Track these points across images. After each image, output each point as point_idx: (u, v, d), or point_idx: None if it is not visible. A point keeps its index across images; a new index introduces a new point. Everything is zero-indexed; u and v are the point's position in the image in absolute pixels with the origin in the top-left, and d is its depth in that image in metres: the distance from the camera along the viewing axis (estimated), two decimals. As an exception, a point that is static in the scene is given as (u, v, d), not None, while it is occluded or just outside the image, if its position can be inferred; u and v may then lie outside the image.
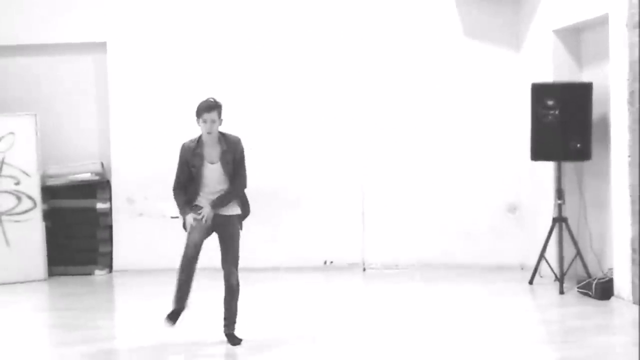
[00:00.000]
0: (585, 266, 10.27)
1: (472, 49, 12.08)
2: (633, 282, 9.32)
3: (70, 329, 8.97)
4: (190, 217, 7.90)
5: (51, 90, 12.51)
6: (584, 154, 10.28)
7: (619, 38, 9.54)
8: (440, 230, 12.04)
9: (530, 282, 10.68)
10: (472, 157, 12.07)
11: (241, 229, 8.04)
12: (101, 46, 12.40)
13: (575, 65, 10.96)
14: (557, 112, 10.29)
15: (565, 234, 10.34)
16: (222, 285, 8.01)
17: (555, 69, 10.93)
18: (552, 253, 10.50)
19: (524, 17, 11.80)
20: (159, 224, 12.10)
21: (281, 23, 12.23)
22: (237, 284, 7.98)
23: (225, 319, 8.04)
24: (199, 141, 7.94)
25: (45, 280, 11.73)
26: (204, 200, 7.95)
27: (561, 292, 10.06)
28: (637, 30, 9.17)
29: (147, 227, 12.24)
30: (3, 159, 11.65)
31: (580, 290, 9.97)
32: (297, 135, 12.22)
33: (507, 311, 9.45)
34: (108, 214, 12.31)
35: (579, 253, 10.34)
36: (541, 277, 10.76)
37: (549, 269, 10.61)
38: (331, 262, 12.20)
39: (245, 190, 8.07)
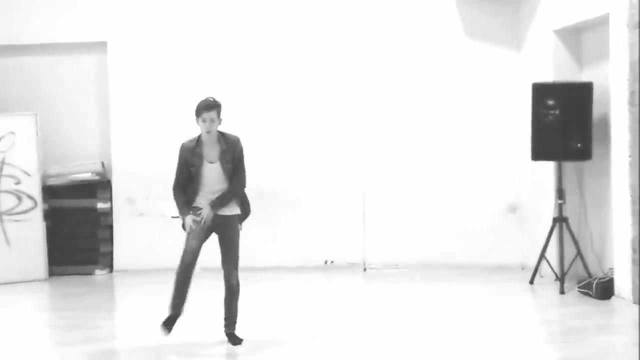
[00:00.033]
0: (585, 266, 10.27)
1: (472, 49, 12.08)
2: (633, 282, 9.32)
3: (71, 329, 8.97)
4: (189, 219, 7.89)
5: (52, 90, 12.51)
6: (584, 154, 10.28)
7: (619, 38, 9.53)
8: (441, 230, 12.04)
9: (531, 282, 10.68)
10: (472, 157, 12.06)
11: (241, 229, 8.04)
12: (101, 46, 12.40)
13: (576, 65, 10.96)
14: (557, 112, 10.29)
15: (566, 233, 10.33)
16: (223, 286, 8.00)
17: (556, 69, 10.93)
18: (552, 253, 10.49)
19: (524, 17, 11.80)
20: (160, 224, 12.10)
21: (282, 23, 12.23)
22: (238, 284, 7.97)
23: (225, 319, 8.04)
24: (198, 140, 7.93)
25: (45, 280, 11.72)
26: (204, 199, 7.93)
27: (562, 292, 10.06)
28: (638, 30, 9.17)
29: (147, 227, 12.24)
30: (3, 158, 11.65)
31: (580, 290, 9.97)
32: (298, 135, 12.21)
33: (507, 311, 9.45)
34: (108, 213, 12.30)
35: (579, 253, 10.33)
36: (542, 277, 10.75)
37: (549, 269, 10.60)
38: (331, 262, 12.20)
39: (246, 190, 8.07)
